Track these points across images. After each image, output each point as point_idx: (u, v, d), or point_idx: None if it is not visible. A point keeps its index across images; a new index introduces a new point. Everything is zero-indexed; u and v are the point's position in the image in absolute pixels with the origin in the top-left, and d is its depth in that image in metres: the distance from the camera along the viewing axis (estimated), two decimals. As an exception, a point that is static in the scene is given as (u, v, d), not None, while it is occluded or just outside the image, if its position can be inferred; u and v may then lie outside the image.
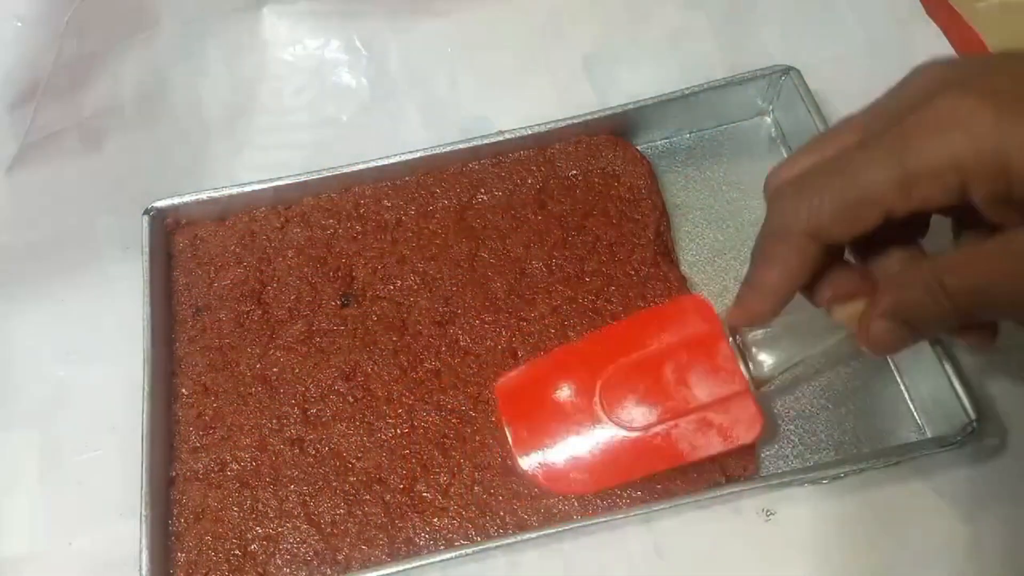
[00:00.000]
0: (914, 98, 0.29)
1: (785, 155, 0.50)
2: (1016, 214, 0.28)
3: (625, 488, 0.39)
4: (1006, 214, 0.28)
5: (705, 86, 0.47)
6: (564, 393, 0.38)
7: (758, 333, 0.37)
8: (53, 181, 0.49)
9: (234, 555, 0.39)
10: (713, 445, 0.36)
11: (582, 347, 0.40)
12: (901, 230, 0.31)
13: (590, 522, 0.38)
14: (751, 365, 0.37)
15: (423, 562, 0.37)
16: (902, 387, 0.43)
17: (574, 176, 0.47)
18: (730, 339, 0.37)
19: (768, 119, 0.50)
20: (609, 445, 0.37)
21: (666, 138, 0.50)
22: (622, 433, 0.37)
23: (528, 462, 0.37)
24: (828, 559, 0.40)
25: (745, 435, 0.36)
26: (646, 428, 0.37)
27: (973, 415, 0.38)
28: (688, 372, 0.37)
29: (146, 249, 0.45)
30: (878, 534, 0.40)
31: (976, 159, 0.26)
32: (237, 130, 0.53)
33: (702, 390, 0.36)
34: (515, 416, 0.38)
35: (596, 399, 0.37)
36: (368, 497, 0.40)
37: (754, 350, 0.37)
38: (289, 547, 0.39)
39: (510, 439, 0.38)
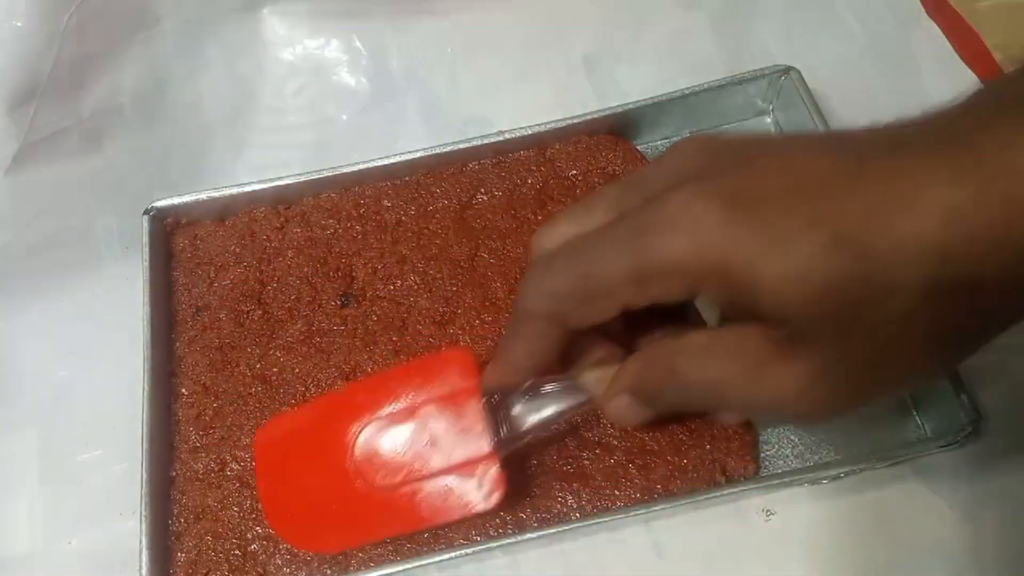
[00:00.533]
0: (664, 180, 0.29)
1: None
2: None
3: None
4: (744, 315, 0.27)
5: (705, 86, 0.47)
6: (320, 446, 0.38)
7: (510, 395, 0.36)
8: (53, 181, 0.49)
9: (234, 555, 0.39)
10: (453, 511, 0.36)
11: (346, 396, 0.39)
12: (664, 308, 0.30)
13: (590, 522, 0.38)
14: (504, 426, 0.36)
15: (423, 562, 0.37)
16: (902, 387, 0.43)
17: (574, 176, 0.47)
18: (484, 399, 0.36)
19: (768, 119, 0.50)
20: (357, 503, 0.36)
21: (666, 138, 0.50)
22: (371, 491, 0.36)
23: (277, 521, 0.38)
24: (828, 559, 0.40)
25: (485, 502, 0.35)
26: (392, 488, 0.36)
27: (973, 415, 0.38)
28: (439, 431, 0.36)
29: (146, 249, 0.45)
30: (878, 534, 0.40)
31: (699, 264, 0.26)
32: (237, 130, 0.53)
33: (449, 452, 0.36)
34: (268, 471, 0.38)
35: (349, 453, 0.37)
36: (368, 497, 0.40)
37: (509, 412, 0.36)
38: (289, 547, 0.39)
39: (260, 498, 0.38)
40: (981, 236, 0.24)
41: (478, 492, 0.36)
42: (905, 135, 0.27)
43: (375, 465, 0.36)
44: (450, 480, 0.36)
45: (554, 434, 0.40)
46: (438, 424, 0.36)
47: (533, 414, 0.36)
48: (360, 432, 0.37)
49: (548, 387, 0.35)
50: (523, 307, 0.31)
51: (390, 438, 0.37)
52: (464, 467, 0.36)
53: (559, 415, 0.36)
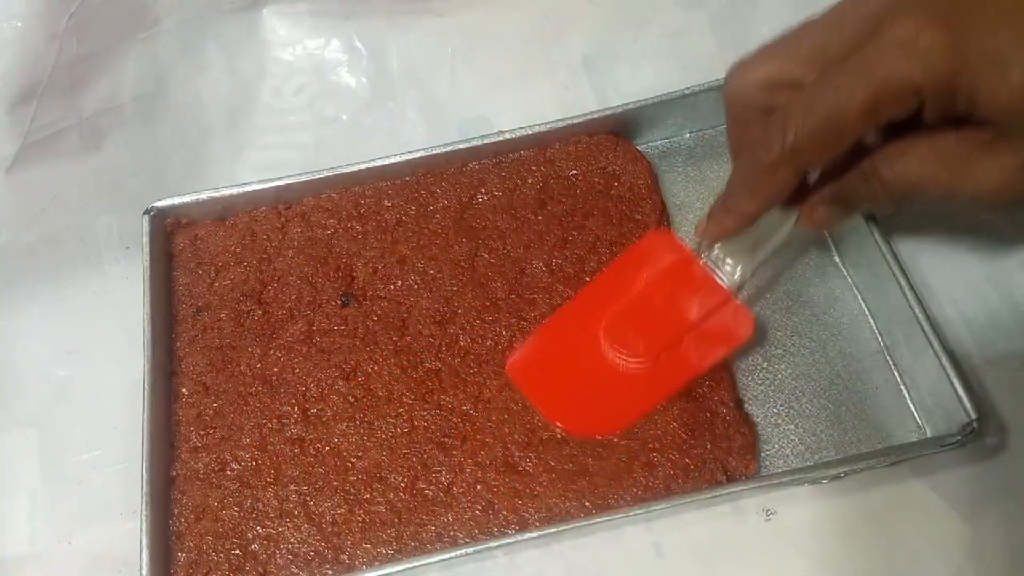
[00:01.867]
0: (872, 17, 0.31)
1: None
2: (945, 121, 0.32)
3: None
4: (940, 122, 0.32)
5: (705, 86, 0.47)
6: (573, 353, 0.41)
7: (721, 246, 0.40)
8: (53, 181, 0.49)
9: (235, 555, 0.39)
10: (718, 350, 0.40)
11: (574, 307, 0.43)
12: None
13: (590, 521, 0.38)
14: (723, 276, 0.40)
15: (423, 562, 0.37)
16: (902, 387, 0.43)
17: (574, 176, 0.47)
18: (703, 255, 0.40)
19: (768, 119, 0.50)
20: (630, 382, 0.40)
21: (666, 138, 0.50)
22: (636, 367, 0.40)
23: (568, 424, 0.40)
24: (828, 558, 0.40)
25: (742, 333, 0.40)
26: (656, 357, 0.40)
27: (973, 414, 0.38)
28: (675, 297, 0.40)
29: (146, 249, 0.45)
30: (878, 534, 0.40)
31: (933, 84, 0.30)
32: (237, 130, 0.53)
33: (692, 309, 0.40)
34: (536, 389, 0.41)
35: (604, 348, 0.41)
36: (369, 496, 0.40)
37: (724, 261, 0.40)
38: (290, 547, 0.39)
39: (543, 413, 0.41)
40: None
41: (733, 328, 0.40)
42: None
43: (632, 345, 0.40)
44: (704, 329, 0.40)
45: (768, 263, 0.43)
46: (671, 292, 0.40)
47: (747, 255, 0.40)
48: (606, 326, 0.41)
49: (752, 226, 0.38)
50: (766, 161, 0.34)
51: (635, 320, 0.41)
52: (711, 315, 0.40)
53: (773, 247, 0.39)
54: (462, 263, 0.45)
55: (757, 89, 0.35)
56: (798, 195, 0.37)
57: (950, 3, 0.30)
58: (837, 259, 0.47)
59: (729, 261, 0.40)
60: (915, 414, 0.42)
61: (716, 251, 0.40)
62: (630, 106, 0.47)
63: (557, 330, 0.42)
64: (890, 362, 0.44)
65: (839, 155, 0.33)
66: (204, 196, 0.46)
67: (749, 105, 0.36)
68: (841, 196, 0.37)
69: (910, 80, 0.30)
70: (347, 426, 0.42)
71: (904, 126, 0.33)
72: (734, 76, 0.36)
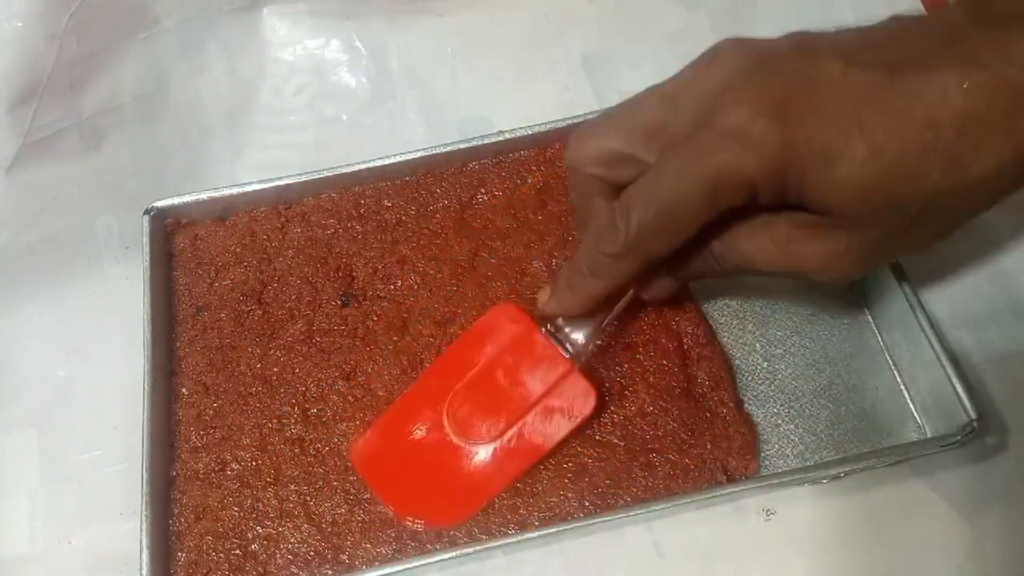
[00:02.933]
0: (712, 94, 0.32)
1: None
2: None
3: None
4: (773, 206, 0.33)
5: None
6: (416, 436, 0.40)
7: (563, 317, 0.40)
8: (53, 181, 0.49)
9: (235, 555, 0.39)
10: (561, 427, 0.39)
11: (419, 389, 0.41)
12: None
13: (591, 521, 0.38)
14: (567, 345, 0.40)
15: (424, 561, 0.37)
16: (902, 387, 0.43)
17: (574, 176, 0.47)
18: (542, 330, 0.40)
19: (768, 119, 0.50)
20: (474, 465, 0.39)
21: (666, 138, 0.50)
22: (481, 450, 0.39)
23: (411, 515, 0.39)
24: (828, 558, 0.40)
25: (584, 408, 0.39)
26: (499, 437, 0.39)
27: (973, 414, 0.38)
28: (518, 372, 0.40)
29: (146, 249, 0.45)
30: (878, 533, 0.40)
31: (766, 174, 0.30)
32: (237, 130, 0.53)
33: (535, 384, 0.39)
34: (379, 478, 0.40)
35: (446, 430, 0.40)
36: (368, 496, 0.40)
37: (566, 331, 0.40)
38: (290, 547, 0.39)
39: (388, 505, 0.40)
40: (988, 142, 0.29)
41: (576, 403, 0.39)
42: (919, 44, 0.31)
43: (476, 426, 0.39)
44: (547, 405, 0.39)
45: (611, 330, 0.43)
46: (514, 367, 0.40)
47: (588, 324, 0.39)
48: (449, 407, 0.40)
49: None
50: (612, 251, 0.34)
51: (478, 399, 0.40)
52: (554, 389, 0.39)
53: (614, 315, 0.39)
54: (462, 263, 0.45)
55: (594, 163, 0.35)
56: None
57: (783, 90, 0.30)
58: (837, 259, 0.47)
59: (569, 330, 0.40)
60: (915, 414, 0.42)
61: (559, 321, 0.40)
62: (630, 106, 0.47)
63: (401, 413, 0.41)
64: (890, 362, 0.44)
65: (683, 242, 0.33)
66: (204, 196, 0.46)
67: (587, 176, 0.36)
68: (676, 270, 0.38)
69: (744, 171, 0.30)
70: (347, 426, 0.42)
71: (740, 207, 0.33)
72: (572, 147, 0.36)
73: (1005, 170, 0.30)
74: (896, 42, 0.31)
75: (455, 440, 0.40)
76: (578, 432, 0.40)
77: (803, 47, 0.32)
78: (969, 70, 0.29)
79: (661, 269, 0.38)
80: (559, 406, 0.39)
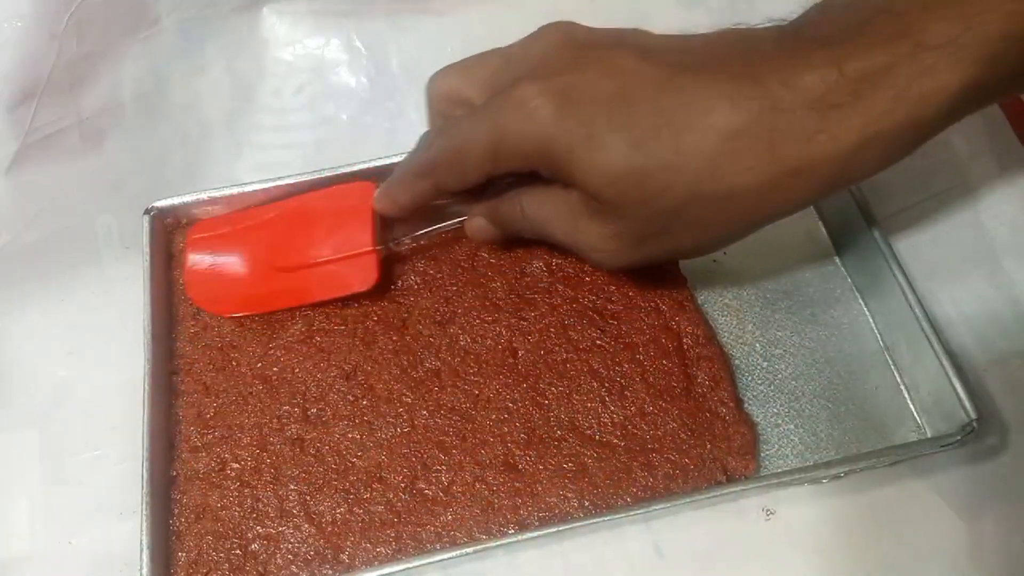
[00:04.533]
0: (525, 65, 0.35)
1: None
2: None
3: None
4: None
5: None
6: (237, 238, 0.45)
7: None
8: (53, 181, 0.49)
9: (235, 554, 0.39)
10: (335, 288, 0.43)
11: (264, 208, 0.46)
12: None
13: (590, 521, 0.38)
14: (387, 234, 0.44)
15: (423, 561, 0.37)
16: (902, 386, 0.43)
17: (574, 176, 0.47)
18: (374, 215, 0.43)
19: (768, 119, 0.50)
20: (263, 280, 0.44)
21: (666, 138, 0.50)
22: (274, 272, 0.44)
23: (194, 291, 0.44)
24: (828, 558, 0.40)
25: (360, 284, 0.43)
26: (290, 270, 0.44)
27: (973, 414, 0.38)
28: (331, 231, 0.44)
29: (146, 249, 0.45)
30: (878, 533, 0.40)
31: (535, 147, 0.33)
32: (237, 129, 0.53)
33: (337, 246, 0.43)
34: (195, 253, 0.45)
35: (260, 244, 0.44)
36: (369, 496, 0.40)
37: (389, 224, 0.44)
38: (290, 546, 0.39)
39: (184, 274, 0.45)
40: (747, 157, 0.31)
41: (356, 276, 0.43)
42: (720, 54, 0.33)
43: (280, 252, 0.44)
44: (336, 266, 0.43)
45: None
46: (333, 227, 0.44)
47: (406, 227, 0.44)
48: (271, 227, 0.45)
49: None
50: (414, 168, 0.39)
51: (293, 234, 0.44)
52: (348, 258, 0.43)
53: (433, 231, 0.44)
54: (462, 263, 0.45)
55: (440, 98, 0.39)
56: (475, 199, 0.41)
57: (574, 78, 0.33)
58: (837, 259, 0.47)
59: (394, 226, 0.44)
60: (915, 414, 0.42)
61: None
62: (630, 106, 0.47)
63: (240, 219, 0.46)
64: (890, 362, 0.44)
65: (469, 186, 0.37)
66: (204, 196, 0.46)
67: (434, 108, 0.40)
68: (493, 215, 0.41)
69: (516, 137, 0.33)
70: (347, 426, 0.42)
71: None
72: (430, 82, 0.39)
73: (762, 189, 0.32)
74: (704, 47, 0.34)
75: (259, 253, 0.44)
76: (344, 298, 0.44)
77: (620, 41, 0.35)
78: (743, 85, 0.31)
79: (478, 209, 0.41)
80: (343, 273, 0.43)
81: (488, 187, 0.39)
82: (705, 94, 0.31)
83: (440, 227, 0.43)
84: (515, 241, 0.46)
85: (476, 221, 0.42)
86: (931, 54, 0.29)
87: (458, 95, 0.38)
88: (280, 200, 0.46)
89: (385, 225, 0.44)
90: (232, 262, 0.45)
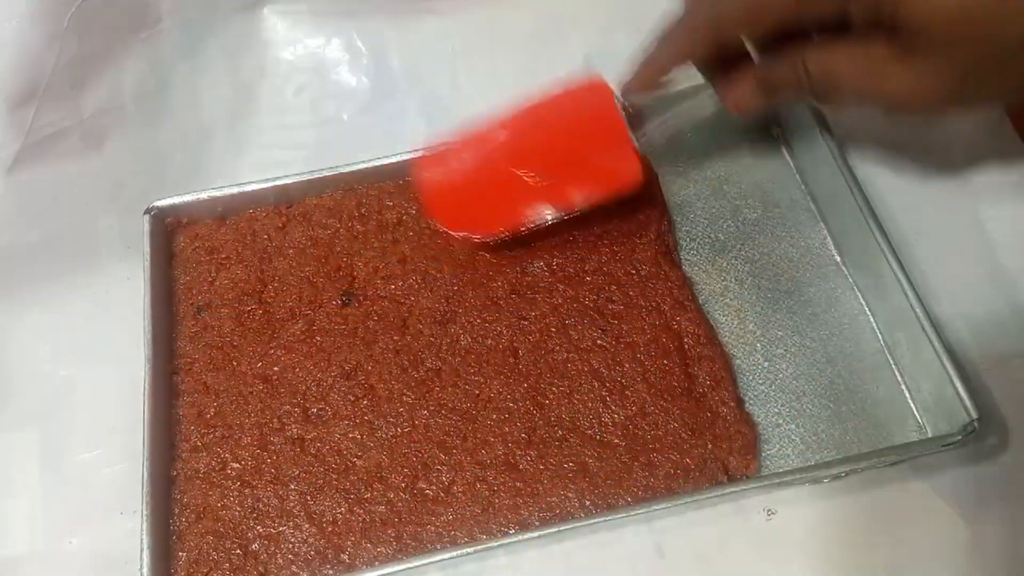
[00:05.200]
0: None
1: (787, 154, 0.50)
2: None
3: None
4: (868, 26, 0.33)
5: (705, 85, 0.47)
6: (479, 157, 0.43)
7: (644, 100, 0.42)
8: (54, 181, 0.49)
9: (235, 554, 0.39)
10: (597, 189, 0.42)
11: (495, 126, 0.44)
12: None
13: (591, 521, 0.38)
14: (639, 131, 0.42)
15: (424, 561, 0.37)
16: (903, 386, 0.43)
17: (575, 175, 0.47)
18: (622, 109, 0.42)
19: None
20: (516, 191, 0.42)
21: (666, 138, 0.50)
22: (526, 181, 0.42)
23: (444, 218, 0.43)
24: (829, 558, 0.40)
25: (625, 183, 0.41)
26: (543, 175, 0.42)
27: (974, 414, 0.38)
28: (579, 134, 0.42)
29: (147, 249, 0.45)
30: (879, 533, 0.40)
31: None
32: (238, 130, 0.53)
33: (590, 148, 0.42)
34: (436, 192, 0.44)
35: (507, 160, 0.43)
36: (369, 496, 0.40)
37: (641, 121, 0.42)
38: (290, 546, 0.39)
39: (422, 197, 0.44)
40: None
41: (619, 173, 0.41)
42: None
43: (526, 161, 0.42)
44: (595, 165, 0.41)
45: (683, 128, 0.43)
46: (582, 131, 0.42)
47: (665, 116, 0.41)
48: (515, 143, 0.43)
49: (678, 89, 0.41)
50: (691, 22, 0.36)
51: (542, 143, 0.43)
52: (606, 154, 0.41)
53: (690, 121, 0.41)
54: (463, 262, 0.45)
55: None
56: (724, 78, 0.39)
57: None
58: (838, 259, 0.47)
59: (647, 122, 0.42)
60: (916, 414, 0.42)
61: (632, 110, 0.42)
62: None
63: (475, 142, 0.44)
64: (891, 362, 0.44)
65: (760, 34, 0.35)
66: (205, 196, 0.46)
67: None
68: (767, 79, 0.38)
69: None
70: (348, 425, 0.42)
71: (840, 27, 0.33)
72: None
73: None
74: None
75: (510, 170, 0.42)
76: (612, 199, 0.42)
77: None
78: None
79: (742, 77, 0.38)
80: (605, 169, 0.41)
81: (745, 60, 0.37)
82: None
83: (694, 115, 0.40)
84: (515, 241, 0.46)
85: (742, 89, 0.39)
86: None
87: None
88: (507, 115, 0.44)
89: (630, 125, 0.42)
90: (473, 177, 0.43)
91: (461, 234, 0.43)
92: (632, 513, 0.38)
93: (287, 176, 0.47)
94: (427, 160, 0.44)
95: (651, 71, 0.39)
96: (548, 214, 0.42)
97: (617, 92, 0.41)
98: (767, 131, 0.51)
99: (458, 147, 0.44)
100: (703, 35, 0.36)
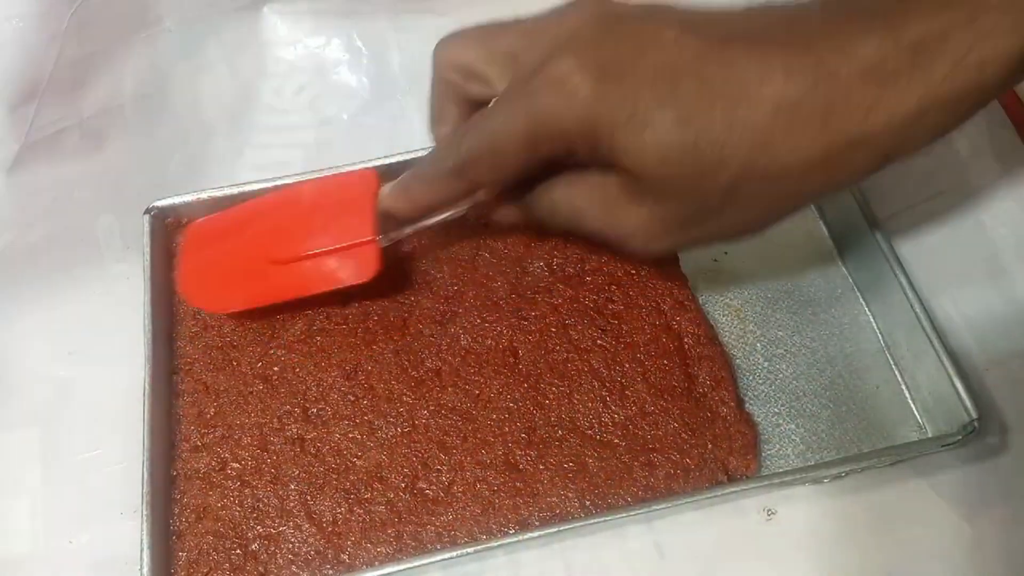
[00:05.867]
0: (556, 39, 0.32)
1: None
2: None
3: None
4: (597, 164, 0.34)
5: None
6: (233, 232, 0.44)
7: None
8: (54, 181, 0.49)
9: (235, 554, 0.39)
10: (331, 281, 0.41)
11: (262, 201, 0.44)
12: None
13: (591, 521, 0.38)
14: (386, 224, 0.41)
15: (424, 561, 0.37)
16: (903, 386, 0.43)
17: (575, 175, 0.47)
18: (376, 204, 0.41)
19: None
20: (257, 274, 0.42)
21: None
22: (268, 265, 0.42)
23: (188, 290, 0.43)
24: (829, 558, 0.40)
25: (358, 276, 0.41)
26: (285, 262, 0.41)
27: (974, 414, 0.38)
28: (330, 220, 0.42)
29: (147, 248, 0.45)
30: (879, 533, 0.40)
31: (576, 127, 0.31)
32: (238, 129, 0.53)
33: (336, 235, 0.41)
34: (190, 253, 0.44)
35: (254, 235, 0.43)
36: (369, 496, 0.40)
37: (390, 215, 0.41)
38: (290, 546, 0.39)
39: (177, 271, 0.44)
40: (802, 130, 0.29)
41: (355, 267, 0.41)
42: (764, 25, 0.31)
43: (276, 244, 0.42)
44: (334, 257, 0.41)
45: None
46: (331, 215, 0.42)
47: (420, 223, 0.41)
48: (266, 219, 0.43)
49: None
50: (443, 167, 0.36)
51: (290, 225, 0.42)
52: (347, 248, 0.41)
53: (436, 221, 0.40)
54: (463, 262, 0.45)
55: (453, 70, 0.37)
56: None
57: (613, 52, 0.31)
58: (838, 259, 0.47)
59: (401, 224, 0.41)
60: (916, 414, 0.42)
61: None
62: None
63: (238, 213, 0.44)
64: (891, 362, 0.44)
65: (510, 180, 0.35)
66: (205, 195, 0.46)
67: (445, 79, 0.38)
68: (520, 210, 0.39)
69: (557, 120, 0.31)
70: (348, 425, 0.42)
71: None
72: (439, 49, 0.38)
73: (817, 163, 0.30)
74: (746, 19, 0.31)
75: (253, 245, 0.42)
76: (340, 289, 0.42)
77: (653, 13, 0.32)
78: (797, 54, 0.29)
79: (504, 197, 0.39)
80: (342, 264, 0.41)
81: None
82: (756, 65, 0.29)
83: (449, 215, 0.40)
84: (515, 241, 0.46)
85: (501, 208, 0.40)
86: (989, 17, 0.28)
87: (471, 68, 0.36)
88: (277, 191, 0.45)
89: (387, 215, 0.41)
90: (225, 257, 0.43)
91: (203, 308, 0.44)
92: (632, 513, 0.38)
93: (287, 176, 0.47)
94: (192, 226, 0.45)
95: (411, 208, 0.39)
96: (286, 295, 0.43)
97: (384, 189, 0.40)
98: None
99: (220, 220, 0.45)
100: (459, 187, 0.36)
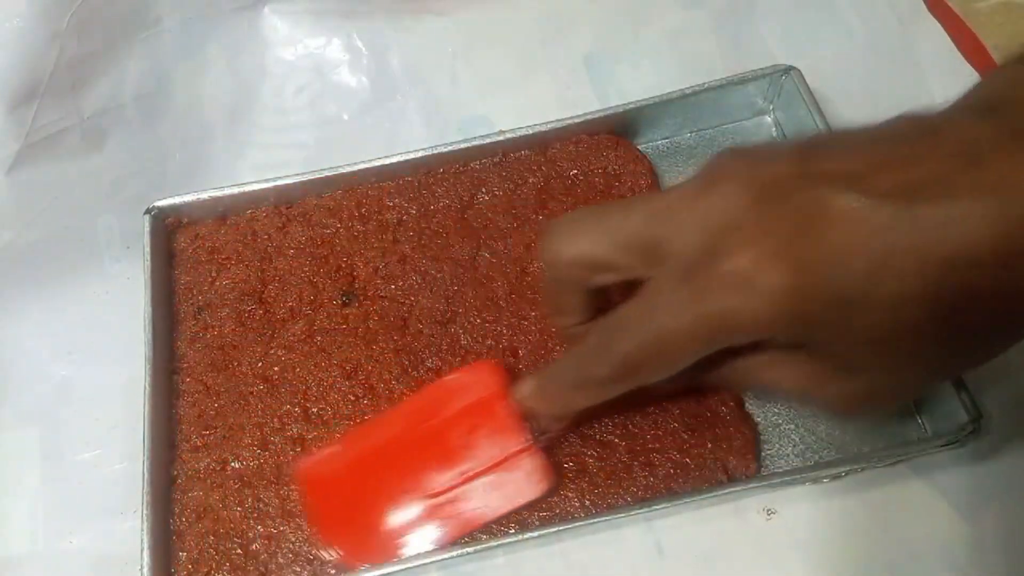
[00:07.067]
0: (705, 225, 0.29)
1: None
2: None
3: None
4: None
5: (705, 86, 0.47)
6: (366, 471, 0.40)
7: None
8: (54, 181, 0.49)
9: (236, 554, 0.39)
10: (502, 505, 0.38)
11: (379, 426, 0.41)
12: None
13: (591, 521, 0.38)
14: (534, 424, 0.38)
15: (423, 561, 0.37)
16: (903, 386, 0.43)
17: (575, 176, 0.47)
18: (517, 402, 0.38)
19: (769, 119, 0.50)
20: (408, 514, 0.38)
21: (666, 138, 0.50)
22: (419, 502, 0.38)
23: (335, 543, 0.39)
24: (829, 558, 0.40)
25: (531, 491, 0.38)
26: (438, 495, 0.38)
27: (974, 414, 0.38)
28: (477, 436, 0.38)
29: (147, 248, 0.45)
30: (878, 533, 0.40)
31: (770, 322, 0.28)
32: (238, 129, 0.53)
33: (490, 452, 0.38)
34: (316, 501, 0.40)
35: (396, 473, 0.39)
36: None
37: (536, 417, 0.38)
38: (291, 546, 0.39)
39: (318, 531, 0.39)
40: (985, 248, 0.25)
41: (525, 482, 0.38)
42: (943, 166, 0.26)
43: (422, 478, 0.38)
44: (495, 477, 0.38)
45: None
46: (475, 429, 0.38)
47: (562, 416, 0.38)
48: (401, 452, 0.39)
49: None
50: (600, 374, 0.33)
51: (430, 451, 0.39)
52: (507, 463, 0.38)
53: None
54: (463, 263, 0.45)
55: (572, 266, 0.34)
56: None
57: (791, 229, 0.27)
58: (838, 259, 0.47)
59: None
60: (916, 413, 0.42)
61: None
62: (631, 106, 0.47)
63: (356, 446, 0.40)
64: (891, 361, 0.44)
65: (677, 372, 0.31)
66: (205, 195, 0.46)
67: (563, 278, 0.35)
68: (715, 382, 0.37)
69: (747, 318, 0.28)
70: (348, 425, 0.42)
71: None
72: (553, 246, 0.34)
73: None
74: (910, 160, 0.27)
75: (399, 485, 0.39)
76: (519, 510, 0.39)
77: (808, 171, 0.28)
78: (1000, 197, 0.25)
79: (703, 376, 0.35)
80: (508, 481, 0.38)
81: None
82: (959, 220, 0.25)
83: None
84: (515, 241, 0.46)
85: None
86: None
87: (594, 259, 0.33)
88: (388, 414, 0.41)
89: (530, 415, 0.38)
90: (363, 500, 0.39)
91: (349, 561, 0.39)
92: (632, 512, 0.38)
93: (287, 176, 0.47)
94: (303, 467, 0.41)
95: (564, 412, 0.37)
96: (454, 533, 0.38)
97: (522, 391, 0.37)
98: (770, 139, 0.51)
99: (336, 455, 0.40)
100: (610, 389, 0.33)
